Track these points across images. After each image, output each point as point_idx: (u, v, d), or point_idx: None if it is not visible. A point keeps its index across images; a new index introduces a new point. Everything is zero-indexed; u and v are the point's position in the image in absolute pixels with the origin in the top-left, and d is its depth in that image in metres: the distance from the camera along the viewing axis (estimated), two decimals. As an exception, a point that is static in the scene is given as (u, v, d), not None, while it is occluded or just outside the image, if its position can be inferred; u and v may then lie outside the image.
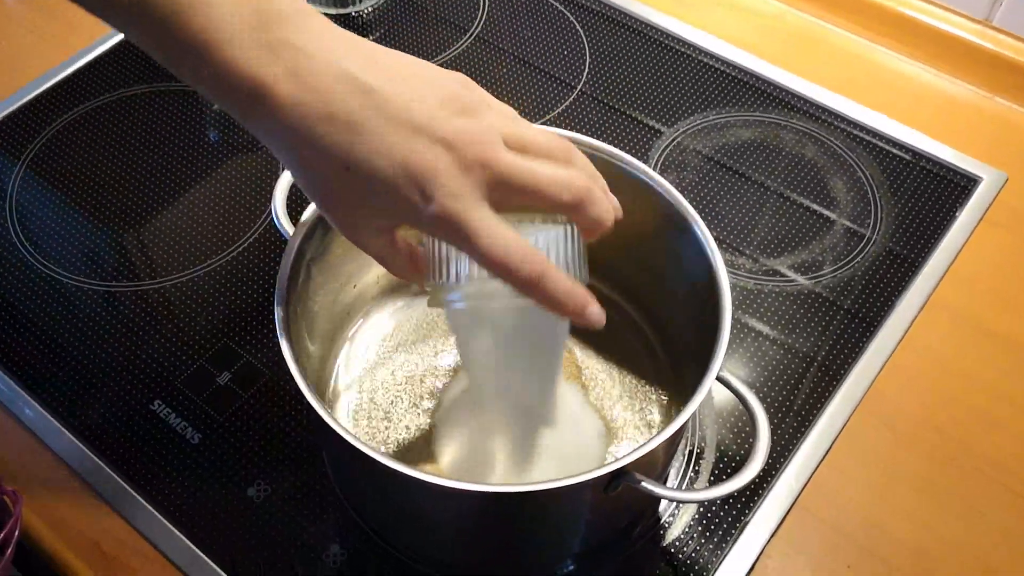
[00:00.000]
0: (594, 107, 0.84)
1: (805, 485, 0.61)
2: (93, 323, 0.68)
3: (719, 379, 0.50)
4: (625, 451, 0.59)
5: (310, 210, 0.54)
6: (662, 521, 0.59)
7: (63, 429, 0.62)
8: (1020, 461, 0.62)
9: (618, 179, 0.58)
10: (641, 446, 0.45)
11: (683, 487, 0.60)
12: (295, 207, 0.54)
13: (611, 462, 0.45)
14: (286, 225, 0.55)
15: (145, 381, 0.64)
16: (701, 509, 0.60)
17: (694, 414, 0.53)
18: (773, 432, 0.63)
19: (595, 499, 0.49)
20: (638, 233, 0.60)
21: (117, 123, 0.82)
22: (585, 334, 0.64)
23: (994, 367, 0.67)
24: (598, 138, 0.80)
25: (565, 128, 0.81)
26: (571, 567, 0.58)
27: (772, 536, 0.59)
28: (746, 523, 0.59)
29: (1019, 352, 0.68)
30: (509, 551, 0.56)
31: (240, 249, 0.72)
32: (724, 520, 0.59)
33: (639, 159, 0.78)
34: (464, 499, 0.45)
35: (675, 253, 0.57)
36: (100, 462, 0.60)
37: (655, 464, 0.52)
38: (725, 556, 0.58)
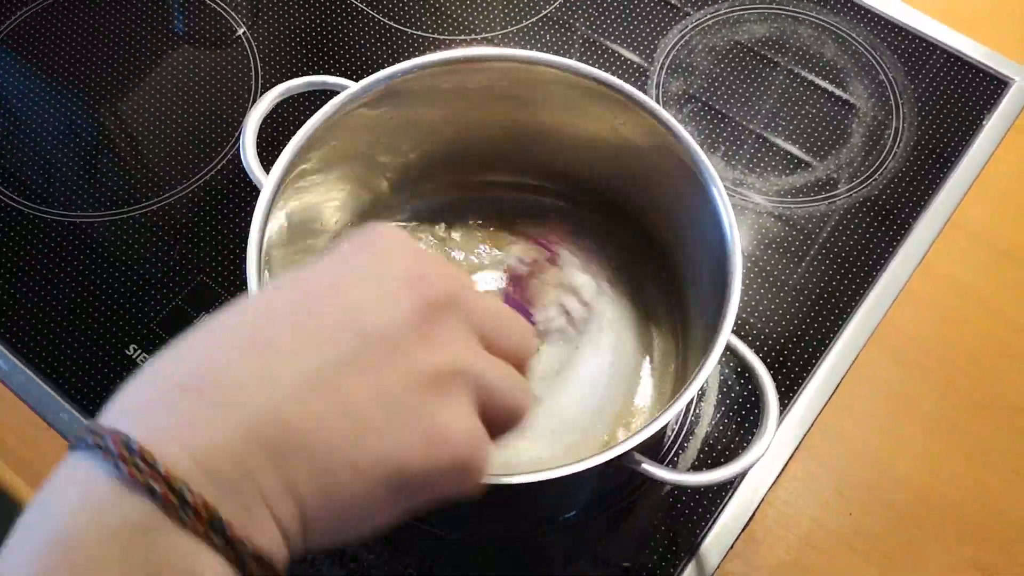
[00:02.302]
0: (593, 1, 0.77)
1: (810, 428, 0.59)
2: (59, 259, 0.63)
3: (726, 346, 0.46)
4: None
5: (284, 158, 0.49)
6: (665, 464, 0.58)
7: (36, 378, 0.59)
8: (1035, 400, 0.60)
9: (630, 117, 0.53)
10: (642, 429, 0.43)
11: (679, 446, 0.58)
12: (270, 148, 0.50)
13: (612, 446, 0.43)
14: (256, 171, 0.50)
15: (119, 324, 0.60)
16: (701, 455, 0.58)
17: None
18: (777, 375, 0.60)
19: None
20: (646, 167, 0.56)
21: (72, 22, 0.76)
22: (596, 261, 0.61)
23: (1016, 295, 0.64)
24: (601, 32, 0.74)
25: (561, 31, 0.75)
26: (573, 513, 0.56)
27: (775, 483, 0.57)
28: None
29: (1042, 279, 0.64)
30: (509, 516, 0.54)
31: (215, 170, 0.67)
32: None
33: (644, 59, 0.73)
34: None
35: (687, 201, 0.52)
36: (76, 413, 0.57)
37: (655, 441, 0.50)
38: (726, 503, 0.56)
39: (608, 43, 0.74)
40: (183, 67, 0.73)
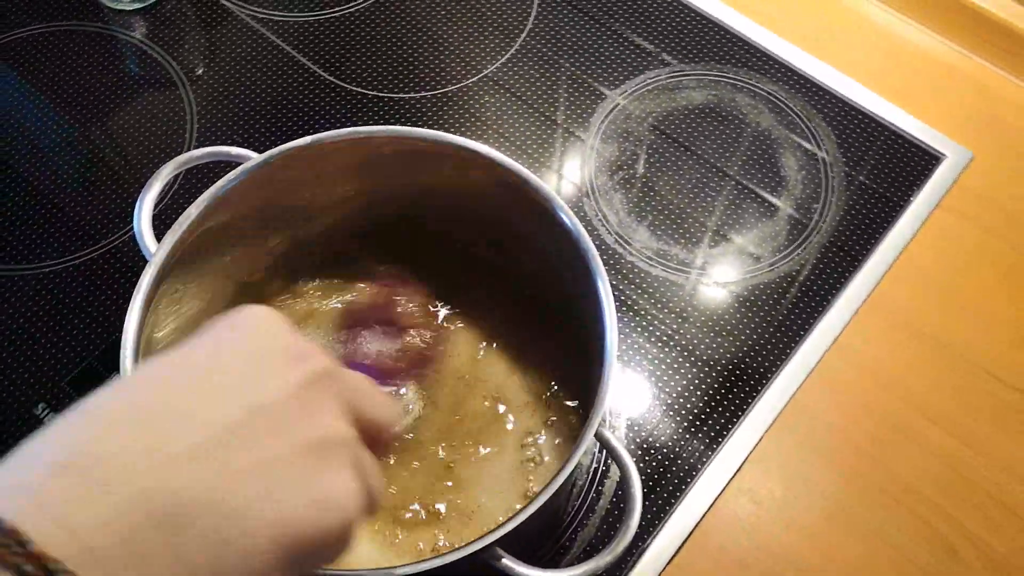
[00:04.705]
0: (535, 61, 0.77)
1: (708, 509, 0.59)
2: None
3: (597, 436, 0.47)
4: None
5: (175, 232, 0.50)
6: (563, 541, 0.58)
7: (-58, 433, 0.60)
8: (931, 483, 0.60)
9: (533, 207, 0.53)
10: (500, 526, 0.43)
11: (579, 523, 0.59)
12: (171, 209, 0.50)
13: (473, 540, 0.43)
14: (151, 246, 0.51)
15: (29, 381, 0.61)
16: (599, 532, 0.58)
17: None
18: (683, 452, 0.60)
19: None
20: (546, 247, 0.56)
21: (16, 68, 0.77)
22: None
23: (926, 377, 0.64)
24: (540, 92, 0.75)
25: (511, 80, 0.75)
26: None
27: (670, 562, 0.57)
28: (644, 548, 0.57)
29: (955, 361, 0.64)
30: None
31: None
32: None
33: (581, 125, 0.73)
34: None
35: (578, 281, 0.53)
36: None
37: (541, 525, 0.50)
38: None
39: (547, 103, 0.75)
40: (126, 116, 0.74)
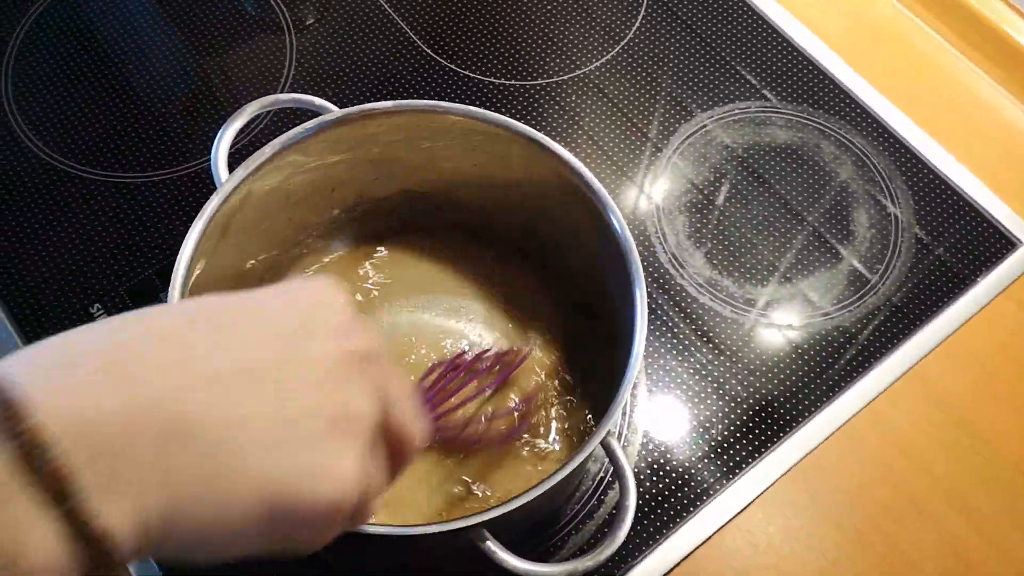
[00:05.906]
0: (633, 67, 0.78)
1: (705, 541, 0.59)
2: (56, 207, 0.68)
3: (603, 445, 0.47)
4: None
5: (246, 167, 0.52)
6: (555, 540, 0.59)
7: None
8: (935, 564, 0.59)
9: (588, 208, 0.54)
10: (489, 509, 0.44)
11: (587, 513, 0.59)
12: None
13: (459, 518, 0.44)
14: (224, 176, 0.53)
15: (91, 281, 0.64)
16: (591, 539, 0.59)
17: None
18: (691, 480, 0.61)
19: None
20: (592, 237, 0.56)
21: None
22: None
23: (951, 459, 0.63)
24: (633, 100, 0.75)
25: (606, 83, 0.76)
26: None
27: (655, 585, 0.58)
28: (633, 564, 0.58)
29: (984, 449, 0.63)
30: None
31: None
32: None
33: (663, 139, 0.74)
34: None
35: (619, 289, 0.53)
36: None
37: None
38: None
39: (637, 107, 0.76)
40: (233, 51, 0.77)
